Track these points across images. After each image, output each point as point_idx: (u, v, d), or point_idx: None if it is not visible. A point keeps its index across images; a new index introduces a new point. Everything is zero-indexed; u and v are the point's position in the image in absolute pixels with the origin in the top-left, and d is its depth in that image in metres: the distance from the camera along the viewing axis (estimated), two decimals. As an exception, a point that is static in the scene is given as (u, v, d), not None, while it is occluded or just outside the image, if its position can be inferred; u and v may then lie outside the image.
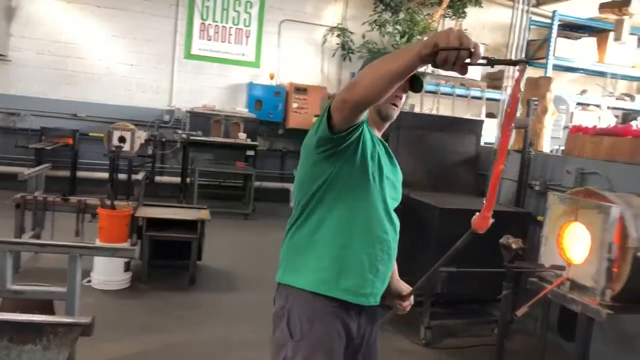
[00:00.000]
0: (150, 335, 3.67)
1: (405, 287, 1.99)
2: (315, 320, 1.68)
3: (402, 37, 4.83)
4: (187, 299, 4.38)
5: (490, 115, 6.07)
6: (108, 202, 4.39)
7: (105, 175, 7.31)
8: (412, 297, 1.98)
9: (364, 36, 5.01)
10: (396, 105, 1.79)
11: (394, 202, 1.84)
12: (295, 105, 8.43)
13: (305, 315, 1.68)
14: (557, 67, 9.10)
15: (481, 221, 1.58)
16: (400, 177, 1.91)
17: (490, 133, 5.04)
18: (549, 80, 4.57)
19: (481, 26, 8.84)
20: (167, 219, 4.59)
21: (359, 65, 5.14)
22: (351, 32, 4.94)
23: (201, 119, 7.75)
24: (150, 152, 7.87)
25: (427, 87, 6.11)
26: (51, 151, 7.29)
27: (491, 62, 1.36)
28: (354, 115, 1.55)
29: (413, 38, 4.80)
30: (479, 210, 1.58)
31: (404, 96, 1.80)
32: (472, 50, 1.27)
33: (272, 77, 8.51)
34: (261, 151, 8.38)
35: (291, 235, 1.79)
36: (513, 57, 9.28)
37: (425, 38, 1.37)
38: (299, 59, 8.56)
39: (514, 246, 2.67)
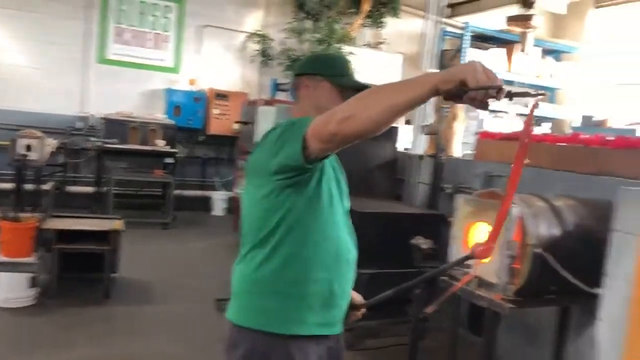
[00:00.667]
0: (55, 352, 3.47)
1: (357, 297, 1.90)
2: None
3: (320, 44, 4.90)
4: (99, 313, 4.19)
5: (407, 122, 6.29)
6: (11, 214, 4.13)
7: (11, 185, 6.85)
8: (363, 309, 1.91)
9: (283, 43, 5.02)
10: None
11: (347, 209, 1.78)
12: (216, 111, 8.32)
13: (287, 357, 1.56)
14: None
15: (484, 251, 1.60)
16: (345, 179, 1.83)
17: (407, 139, 5.20)
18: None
19: (398, 35, 9.11)
20: (77, 230, 4.37)
21: (279, 70, 5.17)
22: (271, 39, 4.94)
23: (117, 125, 7.46)
24: (61, 160, 7.47)
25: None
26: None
27: (511, 95, 1.28)
28: (341, 147, 1.42)
29: (330, 46, 4.87)
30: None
31: None
32: (502, 87, 1.21)
33: (192, 83, 8.35)
34: (181, 158, 8.19)
35: (254, 269, 1.60)
36: (430, 69, 9.66)
37: (441, 72, 1.27)
38: (220, 65, 8.46)
39: (424, 246, 2.76)
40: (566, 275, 2.63)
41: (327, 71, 1.74)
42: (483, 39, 9.46)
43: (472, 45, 9.30)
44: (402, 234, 3.68)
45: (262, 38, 4.97)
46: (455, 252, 3.10)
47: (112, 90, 7.94)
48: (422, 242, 2.76)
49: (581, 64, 9.73)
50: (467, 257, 1.63)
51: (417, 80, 1.30)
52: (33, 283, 4.17)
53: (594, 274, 2.57)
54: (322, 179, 1.60)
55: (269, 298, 1.58)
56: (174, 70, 8.36)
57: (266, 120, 4.32)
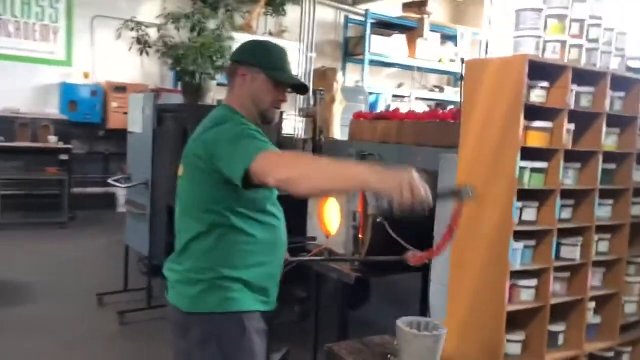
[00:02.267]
0: None
1: None
2: (249, 337, 1.66)
3: (192, 31, 4.84)
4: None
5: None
6: None
7: None
8: None
9: (159, 29, 4.93)
10: (279, 108, 1.82)
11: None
12: (114, 104, 8.05)
13: (239, 335, 1.65)
14: (374, 63, 9.77)
15: (417, 259, 1.77)
16: None
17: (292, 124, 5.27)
18: (335, 71, 4.89)
19: (305, 23, 9.15)
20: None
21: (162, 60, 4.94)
22: (146, 26, 4.84)
23: (3, 123, 7.09)
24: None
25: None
26: None
27: (438, 197, 1.47)
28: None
29: (203, 32, 4.82)
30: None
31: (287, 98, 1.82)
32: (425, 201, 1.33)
33: (86, 76, 8.06)
34: (80, 155, 7.90)
35: (199, 257, 1.66)
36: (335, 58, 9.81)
37: (377, 172, 1.38)
38: (116, 57, 8.18)
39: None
40: (400, 241, 2.74)
41: (264, 63, 1.74)
42: (385, 26, 9.66)
43: (374, 33, 9.48)
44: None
45: (138, 25, 4.84)
46: (311, 227, 3.18)
47: (0, 85, 7.52)
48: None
49: (480, 48, 10.13)
50: (399, 260, 1.81)
51: (355, 175, 1.42)
52: None
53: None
54: None
55: (226, 280, 1.64)
56: (66, 63, 8.03)
57: (137, 107, 4.22)
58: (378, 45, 9.47)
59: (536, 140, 2.32)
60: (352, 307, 3.82)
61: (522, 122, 2.20)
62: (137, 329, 4.01)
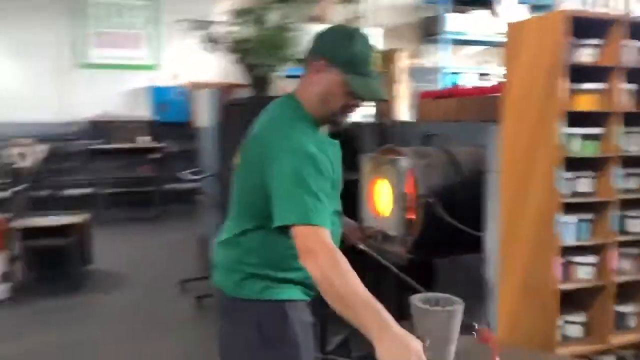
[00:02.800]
0: (8, 342, 3.70)
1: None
2: (291, 326, 1.59)
3: (255, 24, 4.95)
4: (66, 303, 4.40)
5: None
6: (-25, 216, 4.38)
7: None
8: None
9: (227, 26, 5.10)
10: (350, 113, 1.64)
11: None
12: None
13: (280, 323, 1.59)
14: (454, 41, 9.42)
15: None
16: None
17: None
18: (398, 51, 4.75)
19: (376, 8, 9.04)
20: (39, 227, 4.59)
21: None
22: (210, 23, 5.06)
23: (102, 127, 7.71)
24: (52, 166, 7.76)
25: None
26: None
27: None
28: None
29: (266, 25, 4.90)
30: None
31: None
32: None
33: (173, 78, 8.51)
34: (172, 153, 8.38)
35: (243, 251, 1.61)
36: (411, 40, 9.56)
37: (386, 336, 1.21)
38: (199, 58, 8.57)
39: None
40: (451, 221, 2.63)
41: (345, 64, 1.53)
42: (465, 3, 9.26)
43: (454, 10, 9.13)
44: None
45: (207, 24, 5.04)
46: (363, 211, 3.14)
47: (96, 92, 8.17)
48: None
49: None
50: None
51: (365, 324, 1.25)
52: (4, 278, 4.41)
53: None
54: None
55: (259, 271, 1.60)
56: (154, 67, 8.54)
57: (204, 103, 4.40)
58: (457, 22, 9.11)
59: (586, 104, 2.12)
60: (409, 289, 3.73)
61: (565, 83, 2.02)
62: (213, 312, 4.21)
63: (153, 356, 3.57)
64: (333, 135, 1.75)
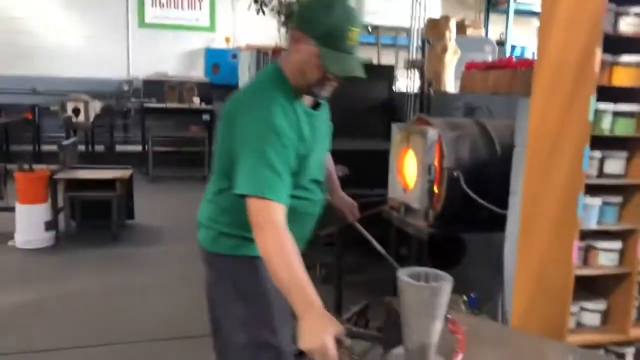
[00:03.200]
0: (50, 285, 3.91)
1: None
2: (263, 282, 1.60)
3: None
4: (106, 253, 4.61)
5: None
6: (25, 166, 4.60)
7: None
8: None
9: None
10: (328, 88, 1.58)
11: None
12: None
13: (252, 278, 1.63)
14: (520, 13, 9.00)
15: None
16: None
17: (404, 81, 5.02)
18: (447, 19, 4.56)
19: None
20: (84, 179, 4.79)
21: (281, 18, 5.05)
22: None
23: (155, 86, 7.90)
24: (107, 122, 8.05)
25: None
26: (14, 126, 7.56)
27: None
28: None
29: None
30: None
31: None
32: None
33: (227, 41, 8.57)
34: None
35: (219, 210, 1.66)
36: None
37: (309, 317, 1.25)
38: (254, 21, 8.58)
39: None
40: (474, 196, 2.53)
41: (319, 35, 1.48)
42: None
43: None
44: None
45: (254, -14, 5.03)
46: (392, 181, 3.07)
47: (153, 52, 8.37)
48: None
49: None
50: None
51: (293, 299, 1.30)
52: (49, 226, 4.65)
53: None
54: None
55: (231, 230, 1.65)
56: (210, 29, 8.62)
57: (245, 64, 4.40)
58: (524, -6, 8.67)
59: (624, 78, 1.96)
60: (436, 263, 3.64)
61: (600, 54, 1.86)
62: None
63: (187, 305, 3.65)
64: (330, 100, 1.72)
